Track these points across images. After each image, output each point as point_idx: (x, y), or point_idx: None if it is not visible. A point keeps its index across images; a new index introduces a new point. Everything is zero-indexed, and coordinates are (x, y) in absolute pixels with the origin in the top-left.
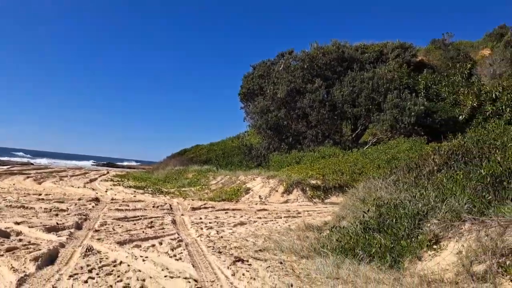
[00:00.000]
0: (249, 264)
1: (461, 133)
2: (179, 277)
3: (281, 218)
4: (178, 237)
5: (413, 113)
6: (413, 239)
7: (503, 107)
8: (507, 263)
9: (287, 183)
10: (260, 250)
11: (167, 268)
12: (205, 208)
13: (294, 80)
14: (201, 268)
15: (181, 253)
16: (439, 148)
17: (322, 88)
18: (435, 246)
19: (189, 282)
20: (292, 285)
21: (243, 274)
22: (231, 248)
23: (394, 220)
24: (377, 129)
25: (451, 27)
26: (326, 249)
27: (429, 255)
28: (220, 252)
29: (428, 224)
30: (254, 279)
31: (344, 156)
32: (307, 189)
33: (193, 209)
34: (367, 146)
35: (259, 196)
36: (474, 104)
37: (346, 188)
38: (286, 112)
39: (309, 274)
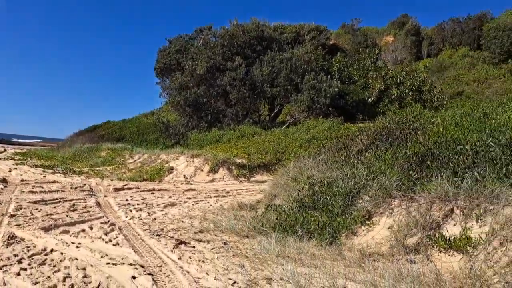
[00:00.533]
0: (192, 246)
1: (371, 114)
2: (123, 263)
3: (211, 197)
4: (108, 221)
5: (328, 95)
6: (348, 216)
7: (406, 91)
8: (436, 235)
9: (213, 162)
10: (200, 232)
11: (107, 255)
12: (129, 189)
13: (214, 57)
14: (143, 253)
15: (117, 237)
16: (366, 129)
17: (243, 66)
18: (368, 222)
19: (136, 268)
20: (243, 266)
21: (190, 257)
22: (169, 231)
23: (328, 198)
24: (294, 109)
25: (360, 12)
26: (266, 227)
27: (363, 230)
28: (159, 235)
29: (361, 201)
30: (203, 261)
31: (267, 136)
32: (233, 168)
33: (116, 190)
34: (285, 126)
35: (184, 176)
36: (382, 88)
37: (270, 167)
38: (206, 89)
39: (257, 253)
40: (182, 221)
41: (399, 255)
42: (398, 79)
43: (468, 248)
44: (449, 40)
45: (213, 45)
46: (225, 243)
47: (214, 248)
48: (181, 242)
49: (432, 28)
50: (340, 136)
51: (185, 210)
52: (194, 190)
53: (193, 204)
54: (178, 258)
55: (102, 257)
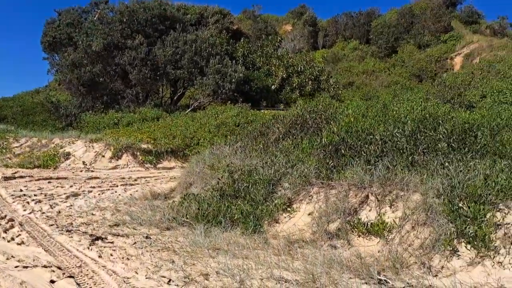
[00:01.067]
0: (111, 242)
1: (274, 101)
2: (36, 266)
3: (117, 186)
4: (4, 216)
5: (233, 80)
6: (269, 204)
7: (306, 79)
8: (355, 221)
9: (116, 148)
10: (115, 225)
11: (13, 256)
12: (21, 177)
13: (111, 34)
14: (55, 252)
15: (20, 235)
16: (280, 117)
17: (144, 45)
18: (289, 209)
19: (53, 271)
20: (174, 261)
21: (111, 255)
22: (79, 225)
23: (250, 186)
24: (199, 93)
25: None
26: (187, 218)
27: (285, 217)
28: (69, 231)
29: (281, 189)
30: (128, 259)
31: (173, 120)
32: (138, 154)
33: (6, 179)
34: (189, 109)
35: (83, 162)
36: (284, 76)
37: (178, 153)
38: (102, 68)
39: (184, 247)
40: (92, 214)
41: (321, 241)
42: (299, 68)
43: (384, 232)
44: (342, 32)
45: (110, 20)
46: (146, 237)
47: (135, 243)
48: (97, 238)
49: (327, 21)
50: (253, 123)
51: (92, 201)
52: (97, 178)
53: (99, 194)
54: (99, 256)
55: (7, 259)
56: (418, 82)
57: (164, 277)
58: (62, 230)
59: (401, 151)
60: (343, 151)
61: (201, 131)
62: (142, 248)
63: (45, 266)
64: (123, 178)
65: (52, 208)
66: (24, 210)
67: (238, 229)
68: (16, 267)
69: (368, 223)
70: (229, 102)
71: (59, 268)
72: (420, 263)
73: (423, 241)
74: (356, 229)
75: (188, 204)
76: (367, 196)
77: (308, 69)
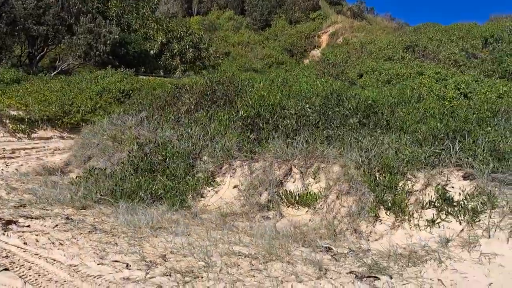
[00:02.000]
0: (27, 226)
1: (153, 67)
2: None
3: None
4: None
5: (108, 41)
6: (191, 178)
7: (187, 46)
8: (284, 192)
9: None
10: (21, 206)
11: None
12: None
13: None
14: None
15: None
16: (188, 87)
17: None
18: (213, 183)
19: None
20: (117, 244)
21: (37, 240)
22: None
23: (166, 160)
24: (68, 54)
25: None
26: (101, 195)
27: (209, 191)
28: None
29: (201, 163)
30: (61, 244)
31: (45, 84)
32: (7, 121)
33: None
34: (55, 72)
35: None
36: (163, 41)
37: (56, 121)
38: None
39: (116, 227)
40: None
41: (252, 213)
42: (179, 34)
43: (312, 202)
44: (217, 1)
45: None
46: (67, 218)
47: (57, 225)
48: (9, 222)
49: None
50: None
51: None
52: None
53: None
54: (24, 243)
55: None
56: (290, 57)
57: (117, 261)
58: None
59: (315, 126)
60: (261, 124)
61: (80, 97)
62: (68, 231)
63: None
64: (12, 150)
65: None
66: None
67: (163, 205)
68: None
69: (296, 194)
70: (109, 66)
71: None
72: (352, 230)
73: (348, 209)
74: (285, 199)
75: (95, 180)
76: (291, 169)
77: (187, 36)
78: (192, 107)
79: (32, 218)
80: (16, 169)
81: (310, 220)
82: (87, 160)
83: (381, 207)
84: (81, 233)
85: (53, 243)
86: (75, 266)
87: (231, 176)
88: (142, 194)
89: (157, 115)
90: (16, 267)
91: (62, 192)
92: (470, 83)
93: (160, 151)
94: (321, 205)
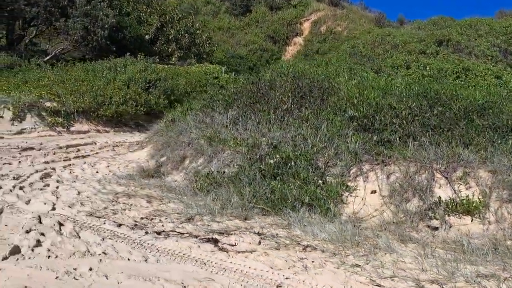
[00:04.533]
0: (233, 245)
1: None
2: None
3: (70, 159)
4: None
5: (106, 25)
6: (323, 183)
7: (182, 32)
8: (442, 199)
9: (16, 107)
10: (189, 218)
11: None
12: None
13: None
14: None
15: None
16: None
17: None
18: (348, 188)
19: None
20: (358, 266)
21: (307, 265)
22: (138, 221)
23: (294, 164)
24: (64, 39)
25: None
26: (257, 204)
27: (346, 197)
28: (119, 226)
29: (330, 167)
30: (306, 268)
31: (68, 72)
32: (44, 114)
33: None
34: (48, 57)
35: None
36: (158, 25)
37: (91, 114)
38: None
39: (318, 244)
40: (116, 201)
41: (411, 222)
42: (174, 19)
43: (474, 210)
44: None
45: None
46: (258, 234)
47: (260, 242)
48: (211, 240)
49: None
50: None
51: (94, 185)
52: (31, 148)
53: (70, 173)
54: (271, 267)
55: None
56: (273, 44)
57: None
58: (136, 230)
59: (433, 128)
60: (377, 125)
61: (110, 88)
62: (281, 249)
63: None
64: (60, 147)
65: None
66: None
67: (315, 215)
68: None
69: (456, 202)
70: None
71: None
72: None
73: None
74: (448, 208)
75: (227, 185)
76: (433, 174)
77: (181, 20)
78: (292, 106)
79: (227, 234)
80: (112, 173)
81: (485, 230)
82: (181, 161)
83: None
84: (300, 251)
85: (293, 266)
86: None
87: (364, 181)
88: (293, 202)
89: (251, 113)
90: None
91: (198, 199)
92: None
93: (279, 153)
94: (486, 215)
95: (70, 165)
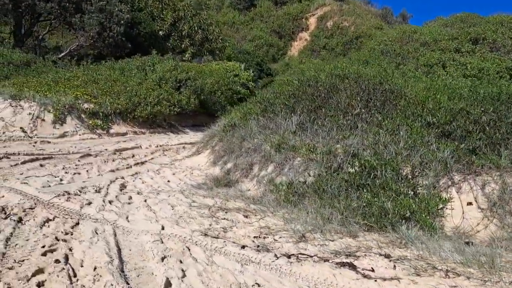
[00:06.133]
0: (370, 270)
1: (161, 49)
2: None
3: (131, 167)
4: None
5: (122, 21)
6: (417, 195)
7: (196, 28)
8: None
9: (57, 109)
10: (302, 237)
11: None
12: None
13: None
14: None
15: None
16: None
17: None
18: (445, 201)
19: None
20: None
21: None
22: (248, 241)
23: (381, 173)
24: (79, 35)
25: None
26: (362, 219)
27: (442, 209)
28: (243, 247)
29: (419, 177)
30: None
31: (97, 72)
32: (83, 116)
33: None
34: (62, 54)
35: (22, 129)
36: (172, 21)
37: (128, 115)
38: None
39: (430, 259)
40: (215, 217)
41: None
42: (185, 13)
43: None
44: None
45: None
46: (387, 256)
47: (404, 269)
48: (347, 264)
49: None
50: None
51: (170, 198)
52: (89, 155)
53: (143, 183)
54: None
55: None
56: (279, 39)
57: None
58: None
59: None
60: (459, 131)
61: (143, 88)
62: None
63: None
64: (109, 151)
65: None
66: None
67: (417, 230)
68: None
69: None
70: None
71: None
72: None
73: None
74: None
75: (313, 197)
76: None
77: (194, 16)
78: (363, 110)
79: (348, 255)
80: (179, 179)
81: None
82: (250, 168)
83: None
84: (443, 277)
85: None
86: None
87: (457, 192)
88: (393, 216)
89: (317, 118)
90: None
91: (289, 212)
92: None
93: (361, 162)
94: None
95: (136, 173)
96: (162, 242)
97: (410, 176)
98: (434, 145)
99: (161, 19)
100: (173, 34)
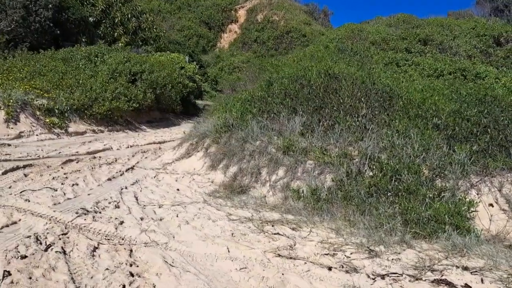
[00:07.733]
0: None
1: (91, 36)
2: None
3: (123, 173)
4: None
5: (50, 5)
6: (442, 199)
7: (129, 16)
8: None
9: (9, 105)
10: (334, 252)
11: None
12: None
13: None
14: None
15: None
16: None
17: None
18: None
19: None
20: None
21: None
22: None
23: (405, 177)
24: (1, 18)
25: None
26: (390, 225)
27: (472, 212)
28: (330, 269)
29: (440, 181)
30: None
31: (39, 62)
32: (38, 113)
33: None
34: None
35: None
36: (103, 7)
37: (86, 111)
38: None
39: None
40: (265, 231)
41: None
42: (119, 0)
43: None
44: None
45: None
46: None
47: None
48: (447, 283)
49: None
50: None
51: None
52: (70, 161)
53: (152, 192)
54: None
55: None
56: (208, 30)
57: None
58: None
59: None
60: (464, 133)
61: (97, 82)
62: None
63: None
64: (91, 155)
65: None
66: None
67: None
68: None
69: None
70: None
71: None
72: None
73: None
74: None
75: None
76: None
77: (127, 2)
78: (370, 112)
79: (431, 271)
80: (188, 187)
81: None
82: (258, 173)
83: None
84: None
85: None
86: None
87: (477, 193)
88: (436, 223)
89: (322, 119)
90: None
91: (323, 220)
92: None
93: (382, 166)
94: None
95: (136, 181)
96: (251, 270)
97: (429, 180)
98: (445, 147)
99: (91, 5)
100: (104, 21)
